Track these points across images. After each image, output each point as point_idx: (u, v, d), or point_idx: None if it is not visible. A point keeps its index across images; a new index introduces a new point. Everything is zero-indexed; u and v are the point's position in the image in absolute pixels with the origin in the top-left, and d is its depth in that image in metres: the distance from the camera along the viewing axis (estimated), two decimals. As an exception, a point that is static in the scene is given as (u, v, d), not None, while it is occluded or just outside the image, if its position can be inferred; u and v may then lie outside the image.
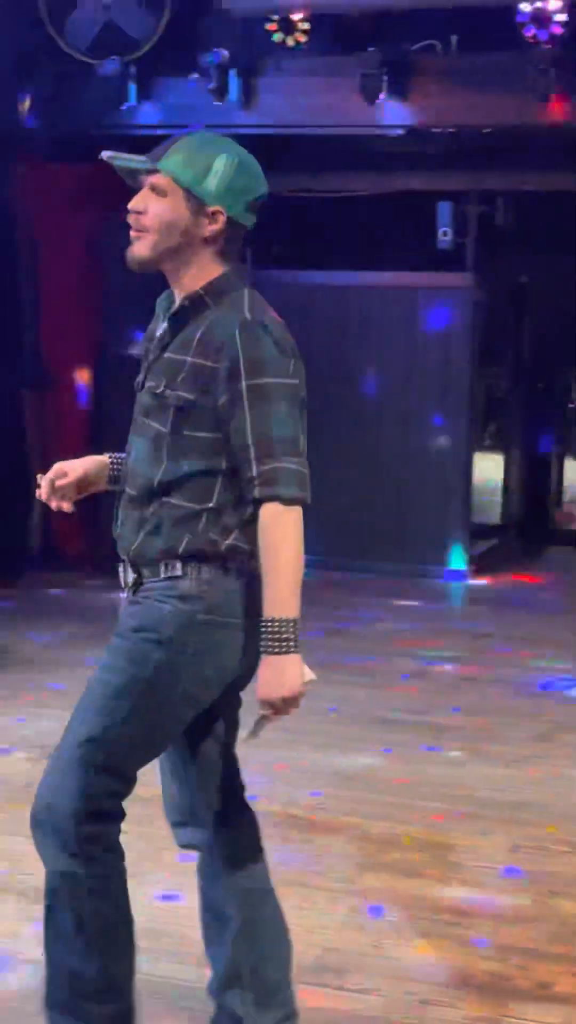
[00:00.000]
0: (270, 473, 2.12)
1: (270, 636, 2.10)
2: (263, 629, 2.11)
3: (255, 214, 2.27)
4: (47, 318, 8.21)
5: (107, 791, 2.13)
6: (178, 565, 2.18)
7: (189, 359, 2.19)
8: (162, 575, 2.19)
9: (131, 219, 2.24)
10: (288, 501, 2.12)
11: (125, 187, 2.31)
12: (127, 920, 2.22)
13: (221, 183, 2.19)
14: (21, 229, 8.06)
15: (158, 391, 2.22)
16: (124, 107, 7.48)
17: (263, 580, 2.13)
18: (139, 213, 2.23)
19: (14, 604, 7.18)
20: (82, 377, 8.48)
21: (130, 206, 2.24)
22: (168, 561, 2.19)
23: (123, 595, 2.31)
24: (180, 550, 2.17)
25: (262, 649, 2.12)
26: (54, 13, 7.10)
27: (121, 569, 2.29)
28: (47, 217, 8.00)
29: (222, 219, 2.20)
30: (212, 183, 2.19)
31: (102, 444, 2.95)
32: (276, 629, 2.10)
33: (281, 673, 2.10)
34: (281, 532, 2.12)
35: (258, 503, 2.13)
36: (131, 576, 2.26)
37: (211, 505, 2.19)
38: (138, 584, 2.24)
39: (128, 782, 2.17)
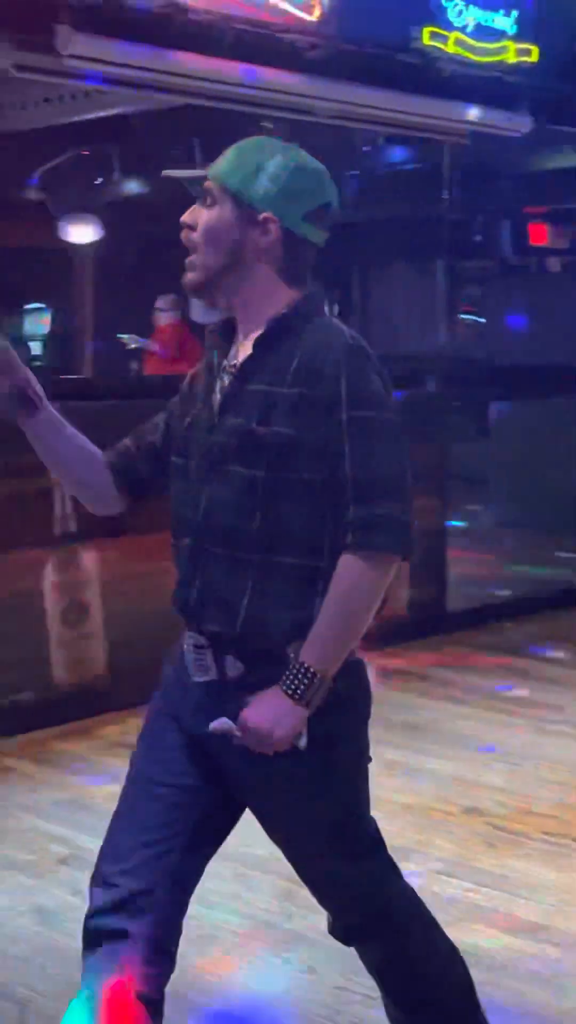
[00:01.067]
0: (368, 519, 1.87)
1: (295, 676, 1.86)
2: (293, 666, 1.87)
3: (322, 229, 2.02)
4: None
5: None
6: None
7: (285, 390, 1.92)
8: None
9: (183, 236, 2.01)
10: (381, 551, 1.87)
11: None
12: None
13: (272, 185, 1.95)
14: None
15: (245, 428, 1.94)
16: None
17: (319, 621, 1.88)
18: (190, 228, 2.00)
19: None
20: None
21: (181, 220, 2.02)
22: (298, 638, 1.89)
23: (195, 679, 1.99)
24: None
25: (281, 682, 1.87)
26: None
27: (200, 651, 1.98)
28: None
29: (275, 228, 1.96)
30: (261, 185, 1.95)
31: None
32: (303, 673, 1.86)
33: (282, 716, 1.86)
34: (358, 582, 1.86)
35: (348, 551, 1.86)
36: (236, 665, 1.95)
37: (323, 563, 1.91)
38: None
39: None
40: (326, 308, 2.03)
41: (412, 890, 2.17)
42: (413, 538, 1.91)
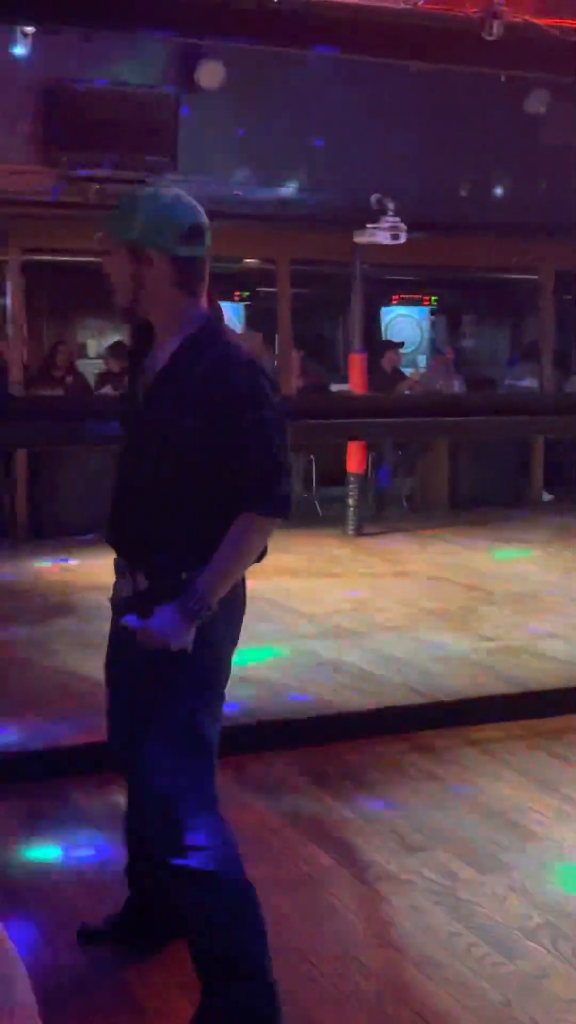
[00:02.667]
0: (261, 491, 2.48)
1: (191, 598, 2.44)
2: (189, 589, 2.44)
3: (198, 245, 2.52)
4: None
5: None
6: None
7: (192, 393, 2.50)
8: None
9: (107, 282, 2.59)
10: (267, 515, 2.49)
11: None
12: None
13: (143, 228, 2.49)
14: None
15: (159, 420, 2.55)
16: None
17: (216, 559, 2.48)
18: (107, 276, 2.57)
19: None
20: None
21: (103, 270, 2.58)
22: None
23: None
24: None
25: (180, 601, 2.44)
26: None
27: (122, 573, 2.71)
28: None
29: (157, 257, 2.49)
30: (136, 228, 2.49)
31: None
32: (197, 597, 2.44)
33: (177, 628, 2.45)
34: (250, 534, 2.49)
35: (246, 512, 2.49)
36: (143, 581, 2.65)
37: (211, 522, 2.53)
38: None
39: None
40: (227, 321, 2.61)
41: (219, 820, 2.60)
42: (288, 506, 2.48)
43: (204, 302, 2.58)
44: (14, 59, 5.52)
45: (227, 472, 2.48)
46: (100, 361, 12.33)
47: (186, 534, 2.51)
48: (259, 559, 2.58)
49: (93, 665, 5.44)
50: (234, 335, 2.58)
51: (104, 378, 10.98)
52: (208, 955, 2.56)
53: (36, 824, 3.84)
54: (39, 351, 12.75)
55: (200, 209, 2.56)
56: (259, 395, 2.46)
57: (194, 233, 2.52)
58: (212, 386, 2.46)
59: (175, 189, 2.58)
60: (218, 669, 2.63)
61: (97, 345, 13.37)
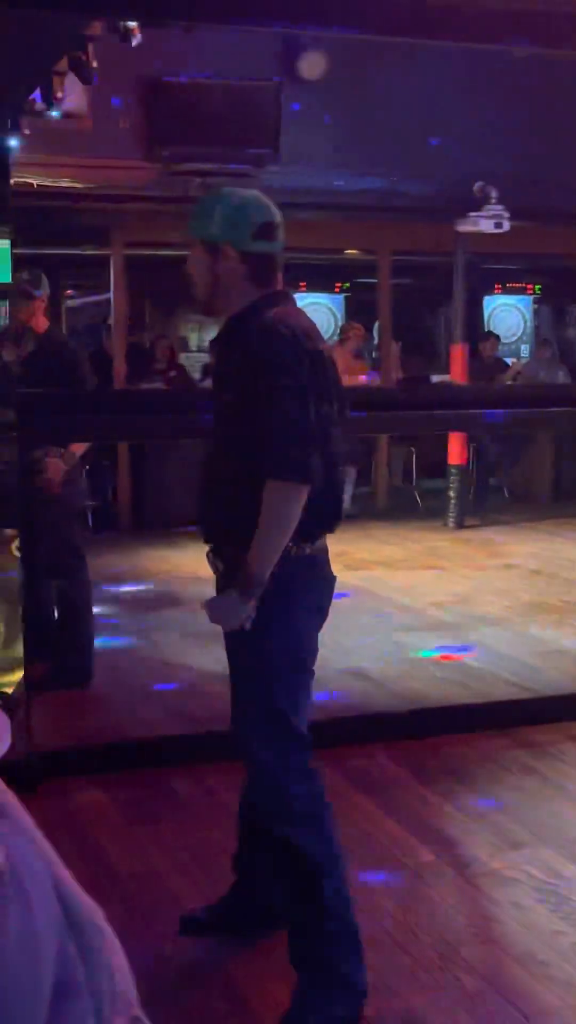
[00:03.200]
0: (279, 458, 2.48)
1: (240, 577, 2.50)
2: (240, 569, 2.50)
3: (272, 240, 2.65)
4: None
5: None
6: None
7: (232, 368, 2.62)
8: None
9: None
10: (289, 481, 2.48)
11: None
12: None
13: (220, 226, 2.61)
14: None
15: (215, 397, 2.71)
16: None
17: (255, 536, 2.52)
18: (189, 272, 2.71)
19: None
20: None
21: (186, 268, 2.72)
22: None
23: None
24: None
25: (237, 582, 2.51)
26: None
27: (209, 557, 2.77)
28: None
29: (231, 252, 2.60)
30: (214, 226, 2.62)
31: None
32: (245, 574, 2.48)
33: (230, 607, 2.53)
34: (276, 503, 2.49)
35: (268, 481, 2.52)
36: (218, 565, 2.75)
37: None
38: None
39: None
40: (286, 303, 2.65)
41: (320, 795, 2.66)
42: (307, 471, 2.46)
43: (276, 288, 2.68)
44: (116, 53, 5.58)
45: (254, 440, 2.49)
46: (202, 354, 12.43)
47: (244, 513, 2.50)
48: (324, 526, 2.62)
49: (195, 655, 5.54)
50: (280, 310, 2.58)
51: (207, 370, 11.08)
52: (304, 927, 2.62)
53: (138, 812, 3.88)
54: (142, 345, 12.90)
55: (274, 207, 2.67)
56: (277, 362, 2.47)
57: (267, 230, 2.63)
58: (243, 358, 2.54)
59: (254, 189, 2.71)
60: (295, 646, 2.63)
61: (199, 338, 13.47)
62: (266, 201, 2.68)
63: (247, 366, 2.52)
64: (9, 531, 4.32)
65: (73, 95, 6.10)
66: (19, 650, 4.17)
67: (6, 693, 4.19)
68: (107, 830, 3.73)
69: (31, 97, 5.20)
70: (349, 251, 11.66)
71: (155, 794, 4.01)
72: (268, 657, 2.59)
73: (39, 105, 5.21)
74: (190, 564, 7.76)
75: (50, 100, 5.20)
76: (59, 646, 5.08)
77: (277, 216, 2.67)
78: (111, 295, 9.85)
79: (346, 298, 13.20)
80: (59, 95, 5.32)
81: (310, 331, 2.58)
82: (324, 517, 2.60)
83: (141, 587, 7.44)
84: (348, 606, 6.68)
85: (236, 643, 2.63)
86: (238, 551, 2.52)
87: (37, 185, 7.56)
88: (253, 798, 2.80)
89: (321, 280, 12.85)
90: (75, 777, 4.11)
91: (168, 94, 7.56)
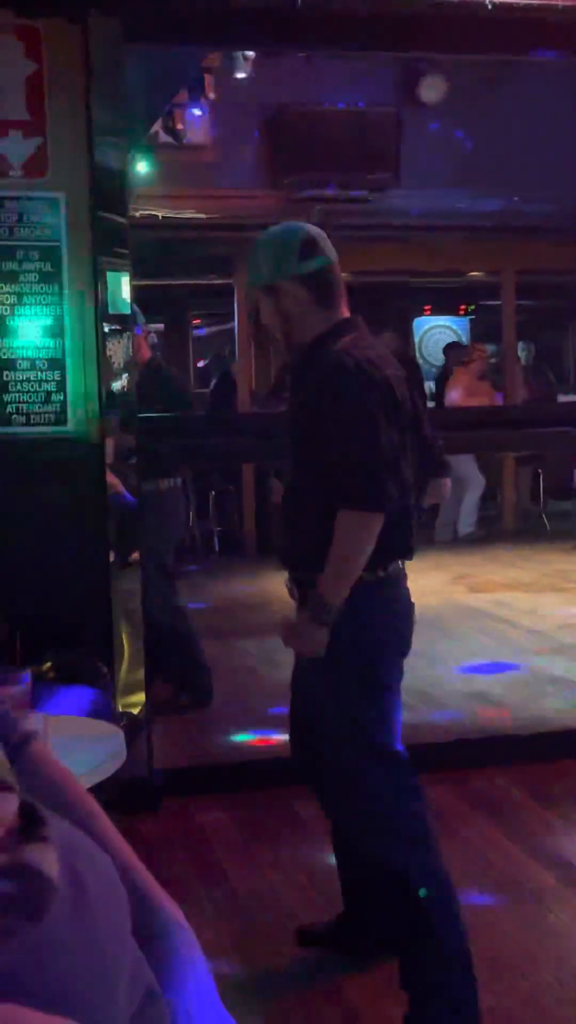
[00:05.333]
0: (350, 486, 2.53)
1: (311, 602, 2.54)
2: (311, 595, 2.54)
3: (319, 256, 2.65)
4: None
5: None
6: None
7: (301, 399, 2.67)
8: None
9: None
10: (361, 509, 2.50)
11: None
12: None
13: (267, 266, 2.67)
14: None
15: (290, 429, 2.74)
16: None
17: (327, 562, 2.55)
18: (264, 327, 2.82)
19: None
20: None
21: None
22: None
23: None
24: None
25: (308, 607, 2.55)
26: None
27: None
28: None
29: (288, 287, 2.64)
30: (264, 271, 2.68)
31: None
32: (316, 600, 2.52)
33: (303, 632, 2.57)
34: (347, 532, 2.51)
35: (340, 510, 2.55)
36: (295, 591, 2.76)
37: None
38: None
39: None
40: (355, 331, 2.66)
41: (422, 815, 2.61)
42: (382, 499, 2.48)
43: (344, 311, 2.69)
44: (237, 84, 5.69)
45: (326, 470, 2.54)
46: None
47: (318, 542, 2.51)
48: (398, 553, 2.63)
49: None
50: (347, 340, 2.60)
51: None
52: (415, 960, 2.57)
53: (257, 832, 3.89)
54: (268, 373, 13.03)
55: (305, 225, 2.74)
56: (345, 393, 2.50)
57: (309, 246, 2.66)
58: (315, 391, 2.57)
59: (285, 222, 2.81)
60: (377, 671, 2.62)
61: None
62: (299, 224, 2.75)
63: (319, 398, 2.54)
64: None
65: (195, 127, 6.24)
66: (142, 672, 4.24)
67: (131, 713, 4.25)
68: (226, 848, 3.75)
69: (154, 130, 5.33)
70: (473, 273, 11.59)
71: (275, 814, 4.01)
72: (347, 681, 2.58)
73: (162, 138, 5.33)
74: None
75: (172, 132, 5.31)
76: (181, 668, 5.15)
77: (314, 230, 2.70)
78: (235, 323, 10.00)
79: (471, 320, 13.11)
80: (180, 127, 5.44)
81: (378, 359, 2.57)
82: (396, 543, 2.59)
83: (264, 610, 7.48)
84: (473, 628, 6.60)
85: (311, 671, 2.64)
86: (313, 578, 2.53)
87: (162, 217, 7.73)
88: (353, 827, 2.77)
89: (446, 303, 12.80)
90: (197, 796, 4.15)
91: (289, 123, 7.67)
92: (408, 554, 2.67)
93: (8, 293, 3.88)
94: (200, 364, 13.53)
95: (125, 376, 4.06)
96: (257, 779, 4.29)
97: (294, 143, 7.64)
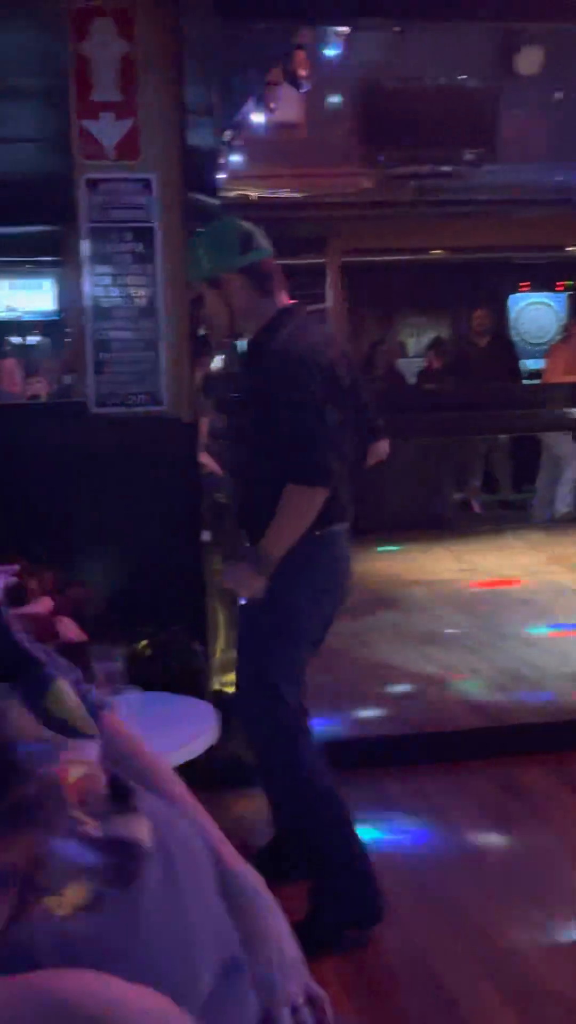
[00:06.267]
0: (299, 463, 2.81)
1: (255, 554, 2.86)
2: (256, 548, 2.86)
3: (256, 249, 2.89)
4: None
5: None
6: None
7: (251, 384, 2.94)
8: None
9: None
10: (304, 484, 2.79)
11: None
12: None
13: (209, 259, 2.91)
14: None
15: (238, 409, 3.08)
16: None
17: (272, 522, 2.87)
18: (207, 320, 3.08)
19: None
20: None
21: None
22: None
23: None
24: None
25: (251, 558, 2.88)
26: None
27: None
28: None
29: (229, 277, 2.89)
30: (204, 265, 2.93)
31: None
32: (259, 553, 2.84)
33: (245, 578, 2.90)
34: (293, 502, 2.80)
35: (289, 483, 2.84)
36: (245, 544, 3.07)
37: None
38: None
39: None
40: (296, 319, 2.93)
41: (306, 751, 2.99)
42: (326, 476, 2.77)
43: (283, 298, 2.94)
44: (329, 60, 5.65)
45: (277, 450, 2.80)
46: (419, 359, 12.38)
47: (268, 506, 2.82)
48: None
49: (407, 657, 5.50)
50: (289, 330, 2.86)
51: (425, 375, 10.95)
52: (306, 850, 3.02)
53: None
54: (359, 352, 12.95)
55: (240, 220, 2.97)
56: (290, 381, 2.76)
57: (246, 240, 2.90)
58: (264, 379, 2.83)
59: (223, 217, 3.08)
60: (293, 623, 2.94)
61: (416, 343, 13.43)
62: (237, 220, 2.98)
63: (268, 384, 2.81)
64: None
65: (287, 105, 6.20)
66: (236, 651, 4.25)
67: (225, 692, 4.28)
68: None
69: (246, 109, 5.31)
70: (571, 248, 11.36)
71: (366, 794, 4.00)
72: (266, 625, 2.93)
73: (254, 116, 5.31)
74: (407, 566, 7.73)
75: (264, 110, 5.29)
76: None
77: (250, 225, 2.94)
78: (327, 304, 9.96)
79: (569, 296, 12.86)
80: (272, 105, 5.42)
81: (319, 344, 2.87)
82: (332, 508, 2.87)
83: (360, 590, 7.44)
84: (568, 608, 6.49)
85: (244, 613, 3.02)
86: (261, 534, 2.85)
87: (257, 197, 7.72)
88: (258, 755, 3.14)
89: (543, 279, 12.58)
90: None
91: (383, 98, 7.58)
92: (344, 517, 2.96)
93: (103, 274, 3.91)
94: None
95: (218, 356, 4.07)
96: (347, 758, 4.28)
97: (388, 119, 7.55)
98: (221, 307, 2.94)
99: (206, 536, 4.05)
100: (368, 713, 4.80)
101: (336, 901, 2.93)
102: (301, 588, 2.91)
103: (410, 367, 12.14)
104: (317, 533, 2.86)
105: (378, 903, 2.95)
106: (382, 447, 3.31)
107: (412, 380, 11.20)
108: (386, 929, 2.99)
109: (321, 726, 4.65)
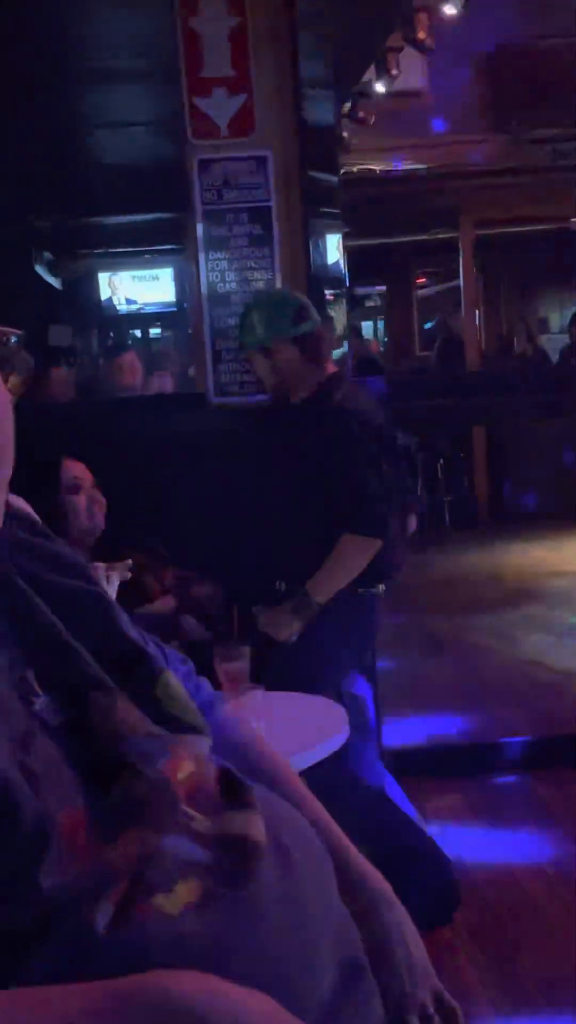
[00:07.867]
0: (357, 514, 2.95)
1: (296, 598, 2.93)
2: (300, 592, 2.93)
3: (311, 319, 3.04)
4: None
5: None
6: None
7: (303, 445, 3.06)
8: None
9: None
10: (362, 535, 2.93)
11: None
12: None
13: (260, 329, 3.03)
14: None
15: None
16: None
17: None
18: (259, 381, 3.23)
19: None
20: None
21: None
22: None
23: None
24: None
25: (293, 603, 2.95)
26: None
27: None
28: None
29: (281, 346, 3.01)
30: (259, 333, 3.04)
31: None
32: (302, 597, 2.92)
33: (282, 621, 2.96)
34: (347, 550, 2.93)
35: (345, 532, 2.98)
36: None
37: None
38: None
39: None
40: (344, 385, 3.07)
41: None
42: (383, 528, 2.92)
43: (329, 366, 3.08)
44: (451, 23, 5.36)
45: (329, 503, 2.93)
46: (562, 335, 11.90)
47: (310, 557, 2.94)
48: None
49: (552, 654, 5.23)
50: (342, 394, 3.01)
51: (571, 351, 10.42)
52: None
53: (496, 815, 3.69)
54: (497, 330, 12.56)
55: (298, 293, 3.17)
56: (352, 440, 2.90)
57: (301, 311, 3.05)
58: (318, 439, 2.95)
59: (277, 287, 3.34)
60: (323, 668, 2.96)
61: (559, 318, 12.94)
62: (288, 291, 3.20)
63: (322, 445, 2.93)
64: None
65: (409, 72, 5.94)
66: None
67: (351, 692, 4.11)
68: (457, 832, 3.56)
69: (366, 79, 5.09)
70: None
71: (512, 797, 3.79)
72: (301, 673, 2.87)
73: (375, 86, 5.08)
74: (549, 558, 7.43)
75: (385, 79, 5.06)
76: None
77: (304, 298, 3.12)
78: (460, 280, 9.63)
79: None
80: (394, 72, 5.18)
81: (369, 408, 3.02)
82: (380, 567, 2.95)
83: (496, 584, 7.18)
84: None
85: (279, 653, 2.97)
86: (301, 582, 2.94)
87: (380, 172, 7.48)
88: None
89: None
90: (431, 778, 3.96)
91: (511, 60, 7.26)
92: (388, 576, 3.04)
93: (218, 259, 3.76)
94: (427, 326, 13.18)
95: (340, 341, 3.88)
96: (493, 761, 4.06)
97: (518, 81, 7.22)
98: (268, 373, 3.06)
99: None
100: (513, 713, 4.56)
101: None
102: (336, 640, 2.99)
103: (553, 344, 11.67)
104: (360, 591, 2.96)
105: None
106: (411, 523, 3.47)
107: (555, 358, 10.76)
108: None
109: (468, 728, 4.46)
